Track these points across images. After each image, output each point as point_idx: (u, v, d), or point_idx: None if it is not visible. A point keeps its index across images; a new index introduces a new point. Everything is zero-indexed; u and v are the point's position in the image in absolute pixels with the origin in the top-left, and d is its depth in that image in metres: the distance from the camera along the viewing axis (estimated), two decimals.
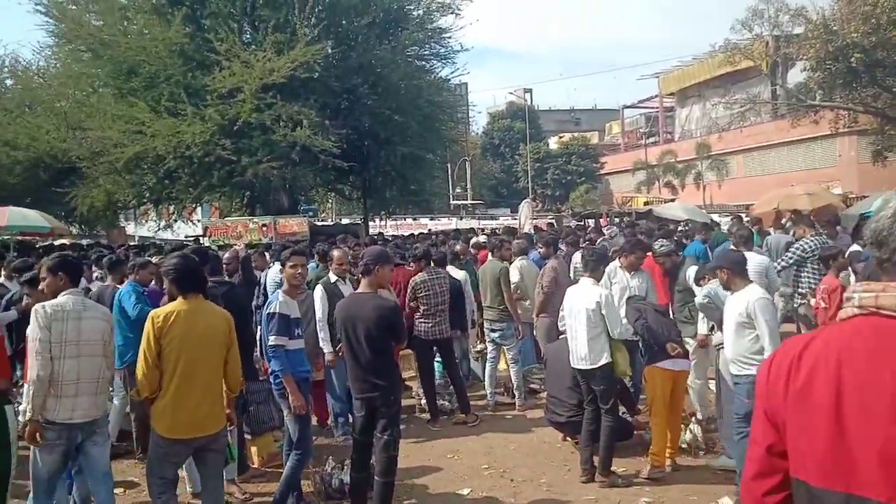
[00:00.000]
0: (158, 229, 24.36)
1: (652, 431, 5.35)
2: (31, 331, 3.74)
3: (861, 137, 26.68)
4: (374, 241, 12.78)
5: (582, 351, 5.15)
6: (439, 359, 7.35)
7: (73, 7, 19.57)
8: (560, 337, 6.36)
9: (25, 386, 3.87)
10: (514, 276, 7.57)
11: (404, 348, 6.58)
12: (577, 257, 8.54)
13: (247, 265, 6.91)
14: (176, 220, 23.81)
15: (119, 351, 5.77)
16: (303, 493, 4.81)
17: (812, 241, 7.76)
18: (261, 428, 5.62)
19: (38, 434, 3.66)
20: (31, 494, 3.87)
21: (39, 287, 4.16)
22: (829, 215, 10.97)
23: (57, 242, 18.93)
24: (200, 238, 18.24)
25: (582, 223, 21.54)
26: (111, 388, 6.69)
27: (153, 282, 6.06)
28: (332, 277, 6.32)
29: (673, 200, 29.22)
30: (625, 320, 5.43)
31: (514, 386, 7.18)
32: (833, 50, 19.18)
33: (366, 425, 4.48)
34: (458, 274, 7.71)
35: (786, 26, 22.64)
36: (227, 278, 6.07)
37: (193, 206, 23.59)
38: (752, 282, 4.82)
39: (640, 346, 5.47)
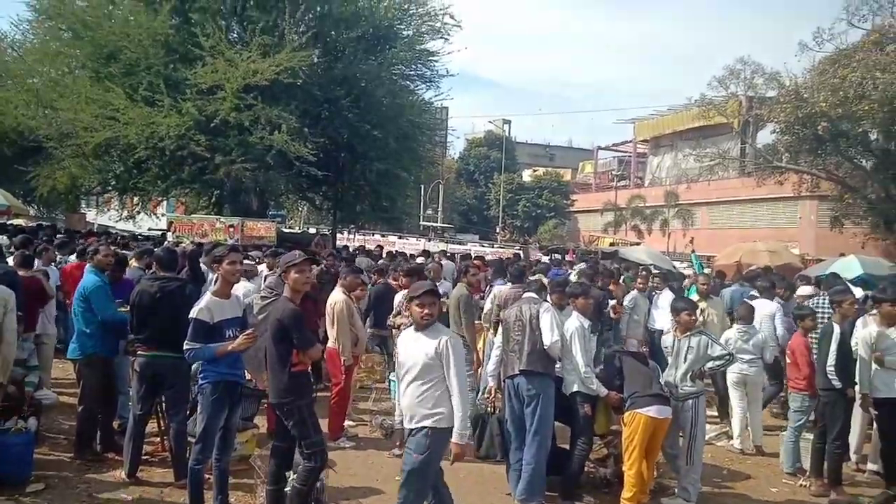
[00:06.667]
0: (120, 219, 23.75)
1: (626, 476, 5.23)
2: None
3: (822, 202, 27.64)
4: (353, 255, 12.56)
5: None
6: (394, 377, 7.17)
7: None
8: None
9: None
10: (488, 304, 7.62)
11: None
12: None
13: (193, 262, 6.57)
14: (139, 212, 23.25)
15: (80, 342, 5.61)
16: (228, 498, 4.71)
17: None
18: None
19: None
20: None
21: None
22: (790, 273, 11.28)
23: (14, 222, 18.32)
24: (164, 232, 17.85)
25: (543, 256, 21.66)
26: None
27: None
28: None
29: (639, 244, 29.73)
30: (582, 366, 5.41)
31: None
32: (802, 116, 19.92)
33: (280, 431, 4.47)
34: None
35: (760, 88, 23.52)
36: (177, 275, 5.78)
37: (160, 199, 23.09)
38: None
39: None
